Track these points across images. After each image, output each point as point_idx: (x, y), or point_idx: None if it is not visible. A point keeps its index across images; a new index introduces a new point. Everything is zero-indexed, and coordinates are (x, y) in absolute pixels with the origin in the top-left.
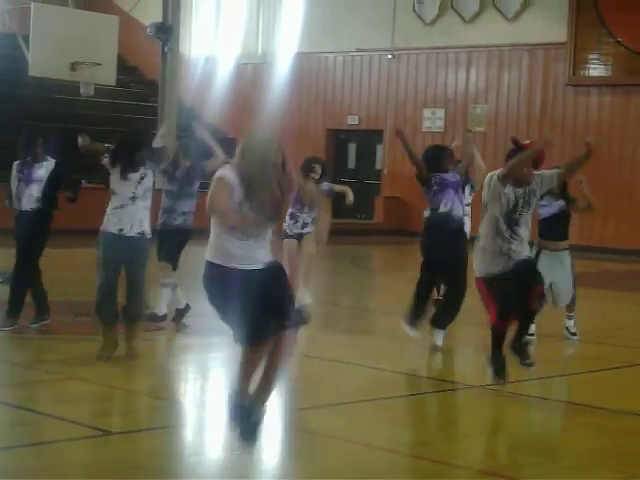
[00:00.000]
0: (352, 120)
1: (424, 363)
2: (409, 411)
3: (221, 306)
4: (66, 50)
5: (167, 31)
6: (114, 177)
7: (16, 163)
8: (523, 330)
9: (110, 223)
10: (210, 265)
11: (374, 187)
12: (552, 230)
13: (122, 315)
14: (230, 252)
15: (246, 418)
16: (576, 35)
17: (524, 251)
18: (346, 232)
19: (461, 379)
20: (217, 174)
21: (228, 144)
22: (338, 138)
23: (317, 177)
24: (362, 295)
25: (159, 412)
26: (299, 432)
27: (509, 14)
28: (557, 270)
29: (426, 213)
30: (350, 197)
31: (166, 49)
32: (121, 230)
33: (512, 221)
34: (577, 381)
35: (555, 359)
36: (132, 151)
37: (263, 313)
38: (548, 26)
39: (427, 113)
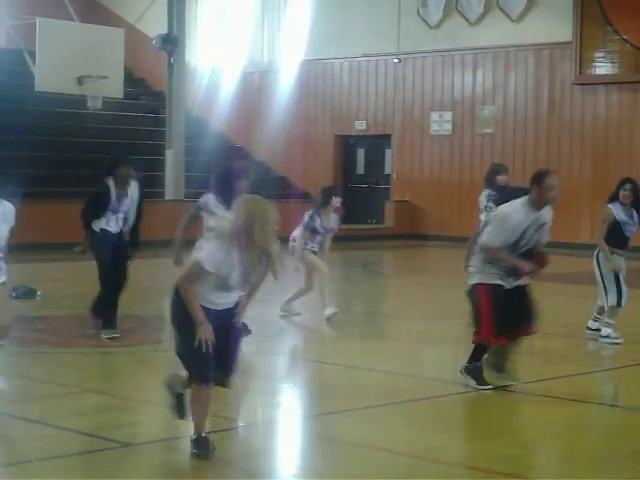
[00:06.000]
0: (360, 125)
1: (438, 366)
2: (425, 414)
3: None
4: (72, 64)
5: (173, 42)
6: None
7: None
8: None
9: None
10: None
11: (384, 192)
12: (624, 241)
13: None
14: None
15: (207, 446)
16: (581, 34)
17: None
18: (357, 237)
19: None
20: None
21: (236, 152)
22: (347, 144)
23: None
24: (375, 300)
25: (175, 423)
26: (315, 438)
27: (514, 15)
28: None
29: None
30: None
31: (172, 60)
32: None
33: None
34: (591, 379)
35: (568, 357)
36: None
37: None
38: (553, 26)
39: (435, 116)
